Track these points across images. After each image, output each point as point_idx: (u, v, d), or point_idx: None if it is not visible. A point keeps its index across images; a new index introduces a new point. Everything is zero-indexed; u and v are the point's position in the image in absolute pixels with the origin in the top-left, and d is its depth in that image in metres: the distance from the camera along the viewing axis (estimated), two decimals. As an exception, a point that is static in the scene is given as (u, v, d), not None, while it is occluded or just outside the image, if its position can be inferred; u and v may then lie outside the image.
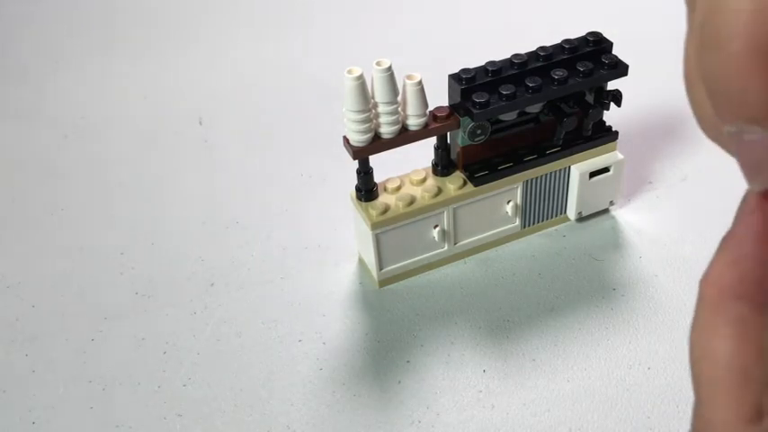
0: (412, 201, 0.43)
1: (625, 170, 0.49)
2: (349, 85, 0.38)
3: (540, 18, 0.70)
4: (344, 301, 0.45)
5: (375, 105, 0.39)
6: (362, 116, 0.39)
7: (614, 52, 0.43)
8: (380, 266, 0.45)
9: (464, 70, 0.41)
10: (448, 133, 0.43)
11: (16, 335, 0.45)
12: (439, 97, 0.42)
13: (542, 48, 0.42)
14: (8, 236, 0.52)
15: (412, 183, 0.44)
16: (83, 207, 0.54)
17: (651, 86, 0.57)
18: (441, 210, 0.44)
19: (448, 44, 0.67)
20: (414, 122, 0.41)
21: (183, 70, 0.68)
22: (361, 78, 0.38)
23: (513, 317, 0.44)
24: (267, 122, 0.61)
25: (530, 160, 0.45)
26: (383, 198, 0.44)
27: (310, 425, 0.39)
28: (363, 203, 0.43)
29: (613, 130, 0.46)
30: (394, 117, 0.40)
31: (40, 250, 0.51)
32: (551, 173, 0.46)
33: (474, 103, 0.40)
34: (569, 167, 0.47)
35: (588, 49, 0.42)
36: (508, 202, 0.46)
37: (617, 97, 0.44)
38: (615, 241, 0.48)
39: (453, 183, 0.44)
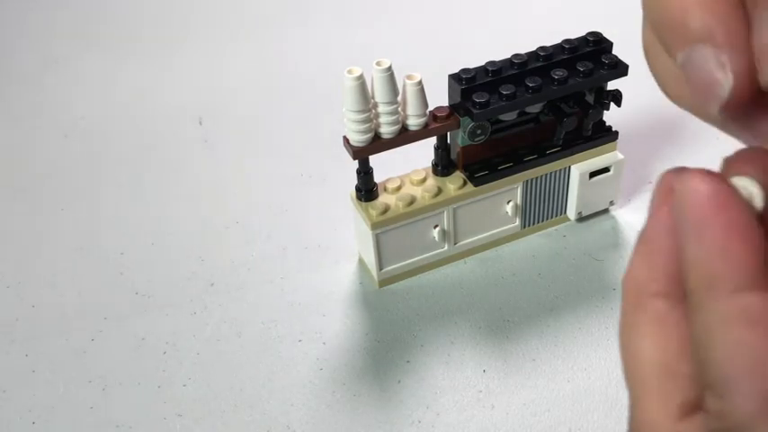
0: (412, 201, 0.43)
1: (625, 170, 0.49)
2: (349, 85, 0.38)
3: (541, 18, 0.70)
4: (344, 301, 0.45)
5: (375, 105, 0.39)
6: (362, 116, 0.39)
7: (614, 52, 0.43)
8: (380, 266, 0.45)
9: (464, 70, 0.41)
10: (448, 133, 0.43)
11: (16, 335, 0.45)
12: (439, 97, 0.42)
13: (542, 48, 0.42)
14: (8, 236, 0.52)
15: (412, 183, 0.44)
16: (83, 207, 0.54)
17: (651, 86, 0.57)
18: (441, 210, 0.44)
19: (448, 44, 0.67)
20: (414, 122, 0.41)
21: (183, 70, 0.68)
22: (361, 78, 0.38)
23: (513, 317, 0.44)
24: (267, 122, 0.61)
25: (530, 160, 0.45)
26: (383, 198, 0.44)
27: (310, 425, 0.39)
28: (363, 203, 0.43)
29: (613, 130, 0.46)
30: (394, 117, 0.40)
31: (39, 250, 0.51)
32: (551, 173, 0.46)
33: (474, 103, 0.40)
34: (569, 167, 0.47)
35: (588, 49, 0.42)
36: (508, 202, 0.46)
37: (617, 97, 0.44)
38: (615, 241, 0.48)
39: (453, 183, 0.44)
